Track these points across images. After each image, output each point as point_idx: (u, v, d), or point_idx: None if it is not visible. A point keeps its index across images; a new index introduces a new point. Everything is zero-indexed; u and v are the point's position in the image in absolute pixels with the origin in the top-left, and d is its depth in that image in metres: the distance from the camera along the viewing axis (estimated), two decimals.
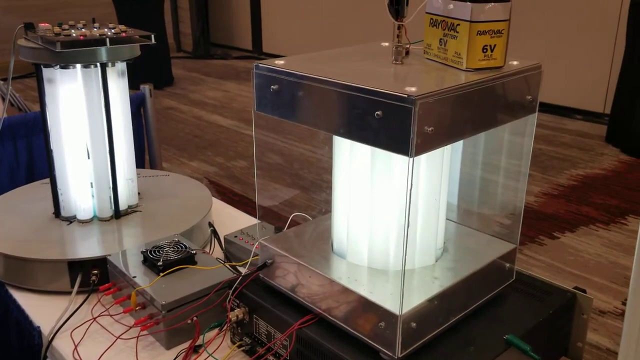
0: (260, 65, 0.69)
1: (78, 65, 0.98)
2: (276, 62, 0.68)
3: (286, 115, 0.68)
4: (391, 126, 0.56)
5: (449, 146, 0.71)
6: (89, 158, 1.03)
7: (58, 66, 0.98)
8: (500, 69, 0.65)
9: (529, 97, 0.68)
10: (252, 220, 1.19)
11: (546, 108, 3.76)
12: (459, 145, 0.81)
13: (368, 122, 0.58)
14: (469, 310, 0.71)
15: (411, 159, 0.56)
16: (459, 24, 0.64)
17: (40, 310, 0.90)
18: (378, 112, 0.57)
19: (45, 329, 0.86)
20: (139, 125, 1.81)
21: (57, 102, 1.00)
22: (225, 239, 1.05)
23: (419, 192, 0.68)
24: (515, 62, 0.68)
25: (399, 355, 0.63)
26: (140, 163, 1.78)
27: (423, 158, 0.67)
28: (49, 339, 0.83)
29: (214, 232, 1.06)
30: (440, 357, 0.65)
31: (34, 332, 0.87)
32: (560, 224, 2.47)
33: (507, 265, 0.76)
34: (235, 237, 1.04)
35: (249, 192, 2.93)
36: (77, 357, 0.79)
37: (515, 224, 0.77)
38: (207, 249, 1.06)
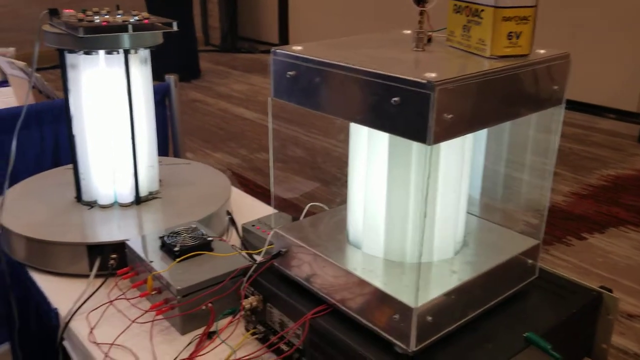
0: (278, 51, 0.68)
1: (101, 52, 0.98)
2: (294, 47, 0.67)
3: (303, 102, 0.67)
4: (409, 113, 0.55)
5: (470, 136, 0.69)
6: (110, 144, 1.04)
7: (81, 52, 0.98)
8: (525, 57, 0.63)
9: (556, 87, 0.66)
10: (270, 210, 1.18)
11: (577, 106, 3.68)
12: (482, 137, 0.79)
13: (385, 108, 0.57)
14: (488, 306, 0.69)
15: (429, 147, 0.54)
16: (483, 10, 0.62)
17: (59, 292, 0.91)
18: (395, 99, 0.55)
19: (63, 311, 0.86)
20: (163, 115, 1.82)
21: (80, 87, 1.00)
22: (242, 227, 1.05)
23: (438, 183, 0.66)
24: (542, 51, 0.65)
25: (413, 349, 0.61)
26: (163, 152, 1.79)
27: (443, 147, 0.65)
28: (66, 321, 0.84)
29: (232, 220, 1.06)
30: (456, 353, 0.64)
31: (51, 313, 0.88)
32: (589, 225, 2.41)
33: (530, 261, 0.74)
34: (253, 225, 1.04)
35: (278, 184, 2.93)
36: (92, 339, 0.79)
37: (539, 219, 0.75)
38: (224, 237, 1.05)
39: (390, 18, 4.65)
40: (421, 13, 0.64)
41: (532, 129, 0.75)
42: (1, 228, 1.00)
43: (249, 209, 1.19)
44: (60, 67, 1.01)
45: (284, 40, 5.95)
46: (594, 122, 3.67)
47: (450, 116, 0.54)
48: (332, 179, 2.84)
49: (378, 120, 0.58)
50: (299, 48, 0.67)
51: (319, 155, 3.23)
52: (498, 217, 0.81)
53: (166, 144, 1.83)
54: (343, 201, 0.84)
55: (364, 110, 0.60)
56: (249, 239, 1.03)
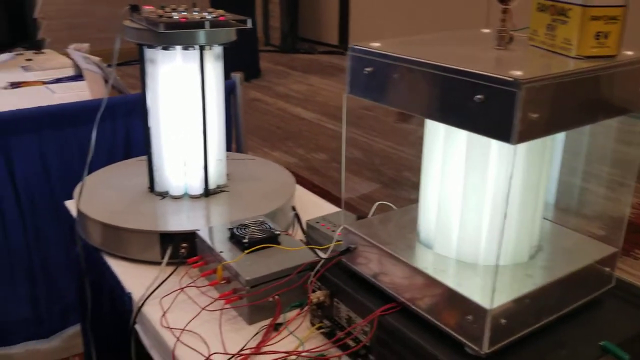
0: (356, 47, 0.69)
1: (178, 47, 1.02)
2: (372, 44, 0.68)
3: (380, 99, 0.67)
4: (493, 111, 0.54)
5: (551, 139, 0.67)
6: (183, 137, 1.07)
7: (159, 47, 1.01)
8: (613, 58, 0.61)
9: None
10: (333, 208, 1.19)
11: None
12: (560, 141, 0.77)
13: (468, 106, 0.56)
14: (562, 312, 0.67)
15: (512, 147, 0.54)
16: (570, 9, 0.61)
17: (132, 278, 0.95)
18: (479, 96, 0.55)
19: (136, 296, 0.90)
20: (227, 113, 1.86)
21: (157, 81, 1.04)
22: (307, 223, 1.06)
23: (517, 185, 0.65)
24: (629, 53, 0.63)
25: (486, 351, 0.60)
26: (227, 148, 1.84)
27: (523, 149, 0.64)
28: (139, 305, 0.87)
29: (297, 216, 1.07)
30: (528, 357, 0.62)
31: (125, 297, 0.91)
32: None
33: (607, 269, 0.72)
34: (317, 222, 1.05)
35: (328, 184, 2.95)
36: (164, 323, 0.82)
37: (618, 226, 0.73)
38: (295, 233, 1.07)
39: (453, 20, 4.59)
40: (504, 11, 0.63)
41: (613, 133, 0.72)
42: (79, 213, 1.04)
43: (312, 206, 1.21)
44: (139, 62, 1.04)
45: (344, 41, 5.97)
46: None
47: (535, 116, 0.54)
48: (390, 182, 2.83)
49: (459, 118, 0.58)
50: (378, 44, 0.67)
51: (377, 157, 3.22)
52: (574, 223, 0.79)
53: (230, 141, 1.87)
54: (401, 205, 0.84)
55: (444, 108, 0.59)
56: (313, 236, 1.04)
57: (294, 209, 1.09)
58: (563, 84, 0.56)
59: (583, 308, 0.70)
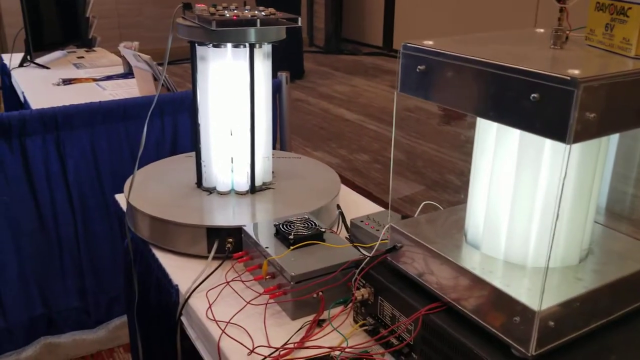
0: (408, 44, 0.69)
1: (229, 45, 1.04)
2: (425, 42, 0.68)
3: (431, 97, 0.67)
4: (549, 110, 0.54)
5: (606, 140, 0.66)
6: (231, 134, 1.09)
7: (211, 44, 1.04)
8: None
9: None
10: (376, 208, 1.19)
11: None
12: (613, 144, 0.75)
13: (522, 105, 0.56)
14: (612, 317, 0.66)
15: (568, 147, 0.53)
16: (630, 8, 0.59)
17: (179, 270, 0.97)
18: (535, 95, 0.54)
19: (183, 288, 0.92)
20: (274, 111, 1.88)
21: (207, 79, 1.06)
22: (351, 222, 1.06)
23: (569, 186, 0.64)
24: None
25: (533, 353, 0.60)
26: (272, 146, 1.86)
27: (577, 150, 0.63)
28: (186, 297, 0.89)
29: (341, 215, 1.08)
30: None
31: (172, 290, 0.93)
32: None
33: None
34: (361, 221, 1.05)
35: (370, 185, 2.94)
36: (210, 315, 0.84)
37: None
38: (340, 231, 1.08)
39: (500, 22, 4.52)
40: (561, 10, 0.62)
41: None
42: (128, 207, 1.07)
43: (355, 205, 1.21)
44: (190, 59, 1.07)
45: (388, 43, 5.95)
46: None
47: (592, 115, 0.53)
48: (433, 184, 2.81)
49: (514, 117, 0.57)
50: (431, 42, 0.67)
51: (420, 160, 3.20)
52: (625, 227, 0.77)
53: (274, 140, 1.90)
54: (453, 204, 0.84)
55: (498, 107, 0.59)
56: (357, 234, 1.04)
57: (338, 207, 1.10)
58: (621, 84, 0.54)
59: (634, 314, 0.68)
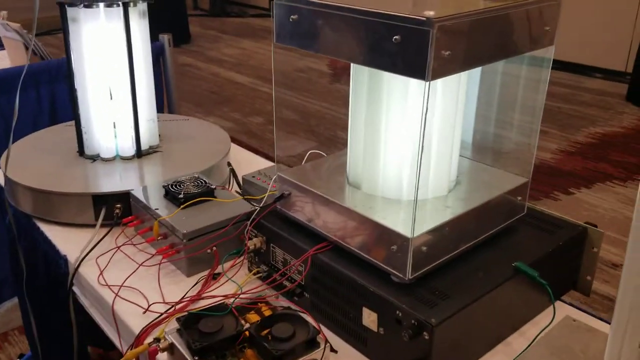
0: None
1: (101, 4, 1.00)
2: None
3: (305, 45, 0.69)
4: (409, 50, 0.58)
5: (465, 77, 0.72)
6: (111, 98, 1.06)
7: (82, 5, 0.99)
8: None
9: (547, 28, 0.69)
10: (268, 164, 1.21)
11: (564, 66, 3.70)
12: (475, 82, 0.82)
13: (386, 47, 0.59)
14: (479, 239, 0.73)
15: (427, 83, 0.57)
16: None
17: (67, 241, 0.94)
18: (396, 37, 0.58)
19: (72, 258, 0.90)
20: (157, 75, 1.83)
21: (81, 41, 1.02)
22: (243, 178, 1.08)
23: (434, 122, 0.69)
24: None
25: (409, 277, 0.65)
26: (159, 111, 1.81)
27: (439, 87, 0.68)
28: (75, 266, 0.87)
29: (232, 172, 1.09)
30: (449, 281, 0.68)
31: (60, 261, 0.91)
32: (576, 181, 2.47)
33: (519, 198, 0.78)
34: (253, 177, 1.07)
35: (265, 146, 2.96)
36: (102, 281, 0.83)
37: (527, 159, 0.79)
38: (231, 188, 1.09)
39: None
40: None
41: (523, 68, 0.77)
42: (7, 181, 1.02)
43: (247, 163, 1.22)
44: (61, 21, 1.02)
45: None
46: (581, 81, 3.71)
47: (447, 53, 0.57)
48: (325, 140, 2.87)
49: (379, 59, 0.61)
50: None
51: (313, 118, 3.25)
52: (490, 159, 0.85)
53: (161, 104, 1.85)
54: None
55: (365, 51, 0.62)
56: (249, 190, 1.06)
57: (229, 164, 1.11)
58: (473, 22, 0.59)
59: (498, 235, 0.76)
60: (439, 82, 0.67)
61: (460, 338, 0.66)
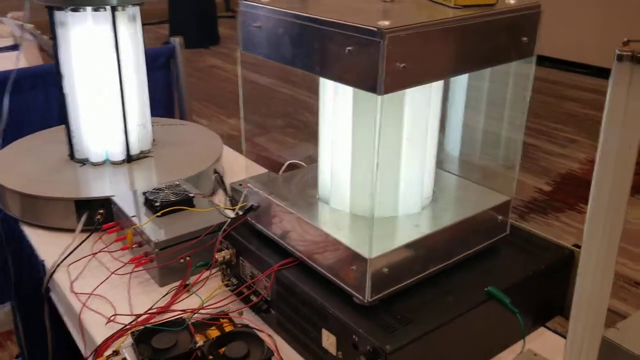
0: (245, 1, 0.68)
1: (88, 8, 0.99)
2: None
3: (268, 54, 0.66)
4: (361, 62, 0.54)
5: (436, 90, 0.68)
6: (100, 102, 1.05)
7: (69, 9, 0.99)
8: (492, 7, 0.61)
9: (525, 39, 0.64)
10: (262, 171, 1.19)
11: (593, 71, 3.57)
12: (460, 95, 0.78)
13: (340, 58, 0.56)
14: (452, 260, 0.69)
15: (379, 97, 0.54)
16: None
17: (48, 246, 0.94)
18: (349, 48, 0.55)
19: (49, 263, 0.89)
20: (168, 78, 1.83)
21: (70, 45, 1.01)
22: (231, 186, 1.06)
23: (402, 136, 0.66)
24: (511, 1, 0.64)
25: (369, 299, 0.62)
26: (170, 114, 1.81)
27: (407, 100, 0.64)
28: (51, 272, 0.87)
29: (217, 180, 1.07)
30: (414, 304, 0.64)
31: (39, 265, 0.91)
32: None
33: (500, 217, 0.73)
34: (240, 185, 1.04)
35: (283, 149, 2.94)
36: (72, 289, 0.82)
37: (511, 176, 0.74)
38: (214, 195, 1.07)
39: None
40: None
41: (510, 86, 0.73)
42: None
43: (243, 169, 1.20)
44: (50, 26, 1.02)
45: None
46: None
47: (402, 65, 0.54)
48: None
49: (333, 70, 0.58)
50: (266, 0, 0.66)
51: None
52: (475, 175, 0.81)
53: (172, 107, 1.85)
54: None
55: (320, 61, 0.59)
56: (236, 198, 1.04)
57: (216, 171, 1.09)
58: (432, 33, 0.56)
59: (476, 256, 0.72)
60: (407, 94, 0.63)
61: None
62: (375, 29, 0.52)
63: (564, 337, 0.73)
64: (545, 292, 0.74)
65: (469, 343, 0.66)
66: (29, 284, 1.02)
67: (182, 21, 4.64)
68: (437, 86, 0.67)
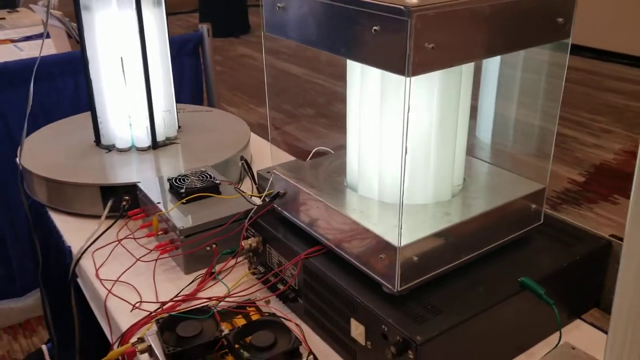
0: None
1: None
2: None
3: (292, 36, 0.64)
4: (388, 42, 0.52)
5: (467, 72, 0.65)
6: (126, 88, 1.04)
7: None
8: None
9: (560, 19, 0.61)
10: (290, 158, 1.17)
11: (635, 61, 3.45)
12: (492, 81, 0.75)
13: (366, 38, 0.54)
14: (483, 250, 0.66)
15: (408, 79, 0.51)
16: None
17: (75, 232, 0.94)
18: (376, 28, 0.52)
19: (75, 249, 0.89)
20: (196, 65, 1.82)
21: (94, 30, 1.01)
22: (258, 174, 1.04)
23: (432, 122, 0.63)
24: None
25: (398, 289, 0.60)
26: (198, 102, 1.81)
27: (436, 83, 0.61)
28: (77, 258, 0.87)
29: (244, 166, 1.05)
30: (445, 295, 0.62)
31: (66, 251, 0.91)
32: None
33: (534, 206, 0.70)
34: (268, 172, 1.03)
35: (312, 138, 2.93)
36: (98, 275, 0.82)
37: (544, 164, 0.71)
38: (241, 183, 1.06)
39: None
40: None
41: (543, 72, 0.70)
42: (23, 170, 1.03)
43: (274, 157, 1.18)
44: (74, 10, 1.01)
45: None
46: None
47: (431, 45, 0.51)
48: None
49: (359, 51, 0.56)
50: None
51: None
52: (507, 163, 0.77)
53: (200, 94, 1.84)
54: None
55: (346, 42, 0.57)
56: (264, 185, 1.03)
57: (242, 158, 1.07)
58: (462, 11, 0.53)
59: (509, 246, 0.69)
60: (435, 77, 0.60)
61: (452, 358, 0.60)
62: (403, 8, 0.50)
63: (602, 330, 0.70)
64: (581, 284, 0.71)
65: (502, 335, 0.64)
66: (56, 270, 1.03)
67: (212, 10, 4.64)
68: (467, 70, 0.64)
